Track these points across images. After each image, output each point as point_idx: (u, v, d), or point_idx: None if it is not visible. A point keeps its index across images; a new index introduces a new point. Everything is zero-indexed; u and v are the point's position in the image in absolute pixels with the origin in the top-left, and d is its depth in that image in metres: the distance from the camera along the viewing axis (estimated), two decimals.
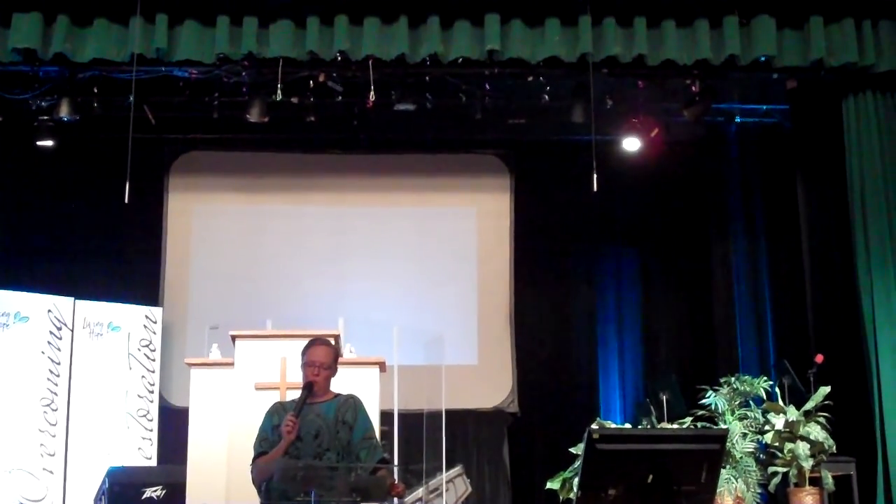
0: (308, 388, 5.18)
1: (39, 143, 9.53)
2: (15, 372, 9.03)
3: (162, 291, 10.68)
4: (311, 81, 8.98)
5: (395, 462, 7.91)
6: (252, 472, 5.15)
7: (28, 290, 9.30)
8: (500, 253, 11.05)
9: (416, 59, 8.03)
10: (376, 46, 7.93)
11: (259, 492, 5.10)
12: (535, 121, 9.94)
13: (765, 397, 8.26)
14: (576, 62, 8.08)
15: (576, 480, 6.62)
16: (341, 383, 5.44)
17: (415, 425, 9.19)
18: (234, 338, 7.21)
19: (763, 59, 8.09)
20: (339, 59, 8.02)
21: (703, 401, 8.35)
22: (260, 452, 5.15)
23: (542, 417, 10.66)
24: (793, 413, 7.98)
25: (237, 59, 8.05)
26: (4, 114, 9.38)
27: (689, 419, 8.32)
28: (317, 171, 11.10)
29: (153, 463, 9.50)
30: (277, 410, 5.28)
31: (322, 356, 5.25)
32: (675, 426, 8.28)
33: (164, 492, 7.72)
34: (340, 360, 5.54)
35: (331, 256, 10.84)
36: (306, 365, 5.24)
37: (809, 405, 7.98)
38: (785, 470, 7.85)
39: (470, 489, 9.08)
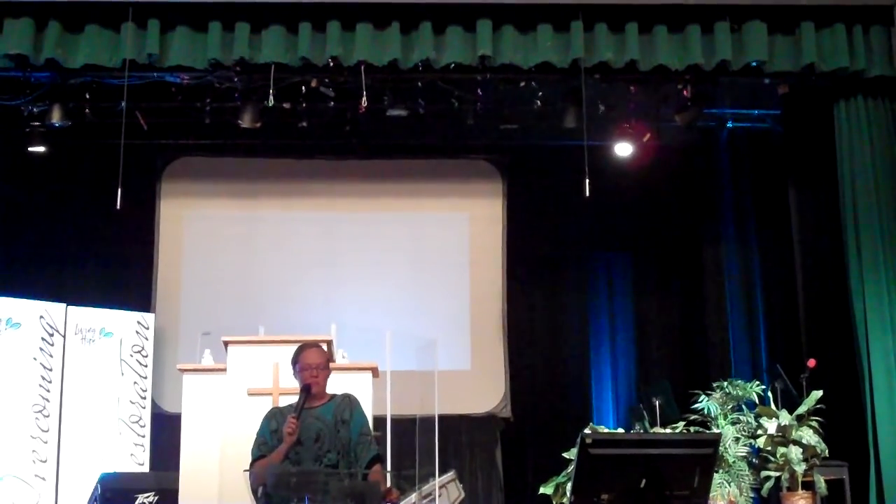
0: (307, 390, 5.18)
1: (31, 148, 9.53)
2: (7, 378, 9.01)
3: (154, 297, 10.66)
4: (304, 87, 9.01)
5: (388, 467, 7.90)
6: (250, 476, 5.14)
7: (20, 297, 9.27)
8: (493, 258, 11.04)
9: (408, 65, 8.01)
10: (368, 52, 7.91)
11: (256, 497, 5.09)
12: (527, 126, 9.94)
13: (757, 402, 8.28)
14: (568, 67, 8.06)
15: (569, 485, 6.64)
16: (334, 389, 5.44)
17: (408, 430, 9.19)
18: (226, 343, 7.20)
19: (754, 64, 8.08)
20: (332, 64, 7.99)
21: (696, 405, 8.35)
22: (258, 456, 5.16)
23: (535, 422, 10.66)
24: (785, 417, 8.00)
25: (229, 64, 8.02)
26: None
27: (681, 424, 8.33)
28: (309, 176, 11.07)
29: (145, 469, 9.48)
30: (275, 415, 5.28)
31: (317, 358, 5.28)
32: (668, 431, 8.29)
33: (156, 498, 7.68)
34: (333, 365, 5.55)
35: (323, 262, 10.82)
36: (303, 369, 5.24)
37: (802, 409, 8.00)
38: (777, 474, 7.87)
39: (463, 494, 9.05)
